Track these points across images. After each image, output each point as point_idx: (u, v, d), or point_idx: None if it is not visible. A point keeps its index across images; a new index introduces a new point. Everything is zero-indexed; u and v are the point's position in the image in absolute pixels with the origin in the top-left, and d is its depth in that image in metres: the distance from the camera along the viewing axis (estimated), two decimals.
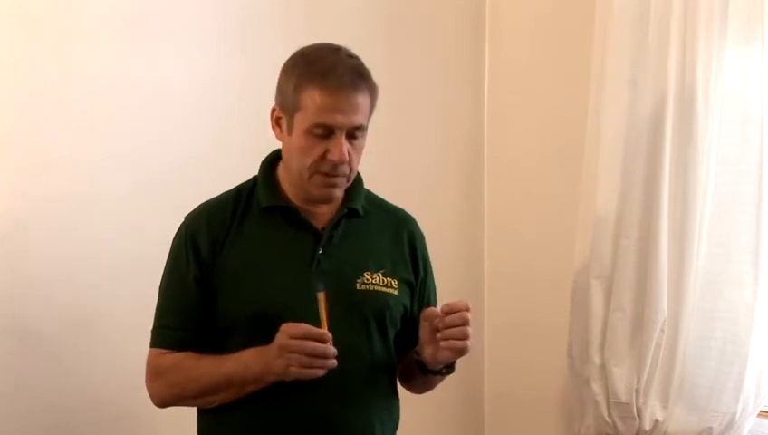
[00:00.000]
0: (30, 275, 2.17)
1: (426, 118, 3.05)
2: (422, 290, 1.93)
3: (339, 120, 1.71)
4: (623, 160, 2.63)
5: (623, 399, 2.63)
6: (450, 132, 3.16)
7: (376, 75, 1.77)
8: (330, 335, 1.65)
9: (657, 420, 2.59)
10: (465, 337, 1.73)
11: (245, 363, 1.71)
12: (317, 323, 1.67)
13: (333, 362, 1.65)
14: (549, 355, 2.97)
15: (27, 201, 2.15)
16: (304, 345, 1.64)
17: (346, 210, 1.83)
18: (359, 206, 1.85)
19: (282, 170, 1.84)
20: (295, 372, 1.65)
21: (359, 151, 1.77)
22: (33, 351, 2.17)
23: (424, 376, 1.85)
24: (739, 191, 2.49)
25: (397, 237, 1.90)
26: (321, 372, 1.65)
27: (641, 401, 2.61)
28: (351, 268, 1.80)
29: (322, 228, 1.81)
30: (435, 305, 1.91)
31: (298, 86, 1.72)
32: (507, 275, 3.18)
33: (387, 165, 2.69)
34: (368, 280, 1.80)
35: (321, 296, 1.69)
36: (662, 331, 2.55)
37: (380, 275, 1.82)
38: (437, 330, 1.74)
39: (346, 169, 1.75)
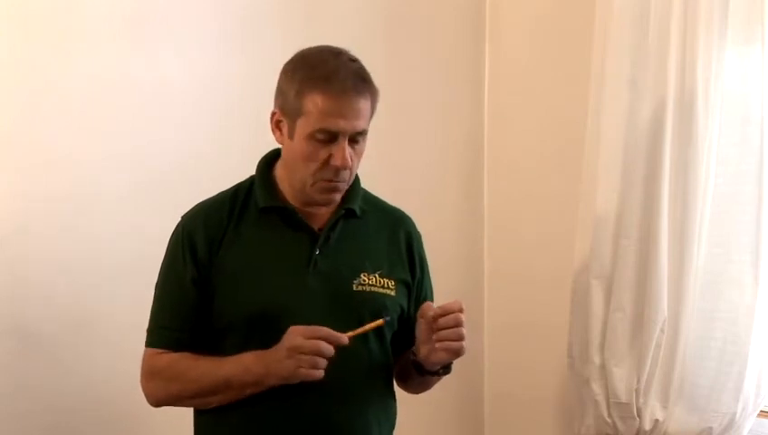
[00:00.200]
0: (30, 275, 2.17)
1: (426, 118, 3.05)
2: (419, 290, 1.93)
3: (341, 125, 1.70)
4: (623, 160, 2.63)
5: (623, 399, 2.63)
6: (450, 132, 3.16)
7: (376, 75, 1.77)
8: (347, 340, 1.67)
9: (657, 420, 2.59)
10: (459, 338, 1.72)
11: (246, 366, 1.71)
12: (315, 324, 1.67)
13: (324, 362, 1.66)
14: (549, 355, 2.97)
15: (27, 201, 2.16)
16: (320, 346, 1.64)
17: (343, 211, 1.83)
18: (356, 206, 1.85)
19: (279, 170, 1.83)
20: (304, 373, 1.65)
21: (359, 155, 1.77)
22: (33, 351, 2.17)
23: (421, 376, 1.84)
24: (739, 191, 2.49)
25: (394, 238, 1.90)
26: (322, 374, 1.65)
27: (641, 401, 2.61)
28: (348, 269, 1.80)
29: (320, 229, 1.81)
30: None
31: (300, 91, 1.71)
32: (507, 275, 3.18)
33: (387, 165, 2.69)
34: (365, 281, 1.80)
35: (378, 322, 1.74)
36: (662, 331, 2.55)
37: (377, 275, 1.82)
38: (434, 330, 1.74)
39: (347, 173, 1.75)
